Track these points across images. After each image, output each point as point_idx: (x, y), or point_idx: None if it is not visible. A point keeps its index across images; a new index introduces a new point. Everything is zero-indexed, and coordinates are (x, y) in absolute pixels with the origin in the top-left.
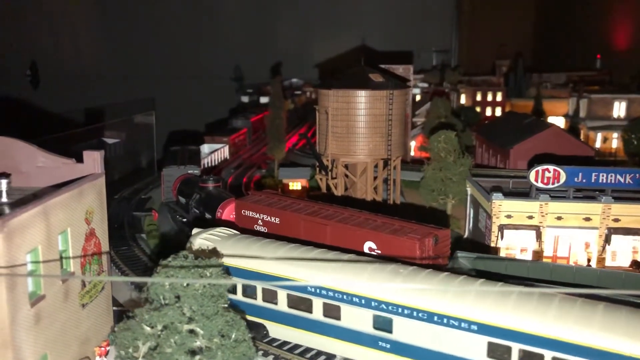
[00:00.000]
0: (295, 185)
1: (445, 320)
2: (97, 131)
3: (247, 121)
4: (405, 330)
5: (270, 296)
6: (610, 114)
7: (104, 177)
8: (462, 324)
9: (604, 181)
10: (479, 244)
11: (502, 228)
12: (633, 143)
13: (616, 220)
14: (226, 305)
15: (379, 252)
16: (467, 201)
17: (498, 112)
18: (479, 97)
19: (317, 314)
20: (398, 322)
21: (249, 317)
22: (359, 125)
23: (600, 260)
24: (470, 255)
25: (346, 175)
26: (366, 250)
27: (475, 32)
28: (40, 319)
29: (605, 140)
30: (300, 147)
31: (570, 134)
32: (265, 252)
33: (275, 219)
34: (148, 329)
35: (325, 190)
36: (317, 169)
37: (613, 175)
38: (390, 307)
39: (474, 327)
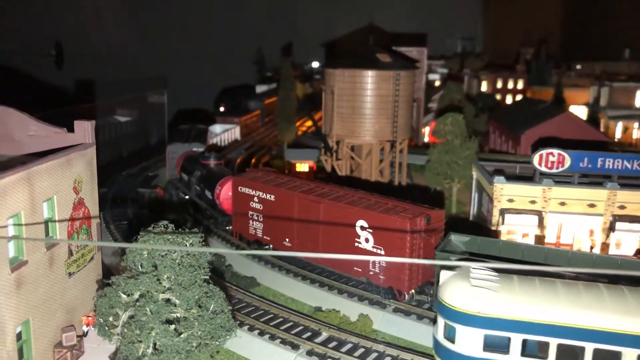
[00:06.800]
0: (303, 166)
1: None
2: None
3: (261, 103)
4: None
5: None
6: (632, 103)
7: (95, 147)
8: None
9: (611, 167)
10: (482, 228)
11: (503, 212)
12: None
13: (622, 207)
14: (207, 277)
15: (370, 231)
16: (472, 185)
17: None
18: (499, 85)
19: None
20: None
21: None
22: (365, 106)
23: (604, 248)
24: (464, 237)
25: (351, 157)
26: (358, 229)
27: (501, 19)
28: (21, 285)
29: (625, 130)
30: (314, 130)
31: (584, 121)
32: (588, 301)
33: (270, 196)
34: (124, 296)
35: (329, 171)
36: (322, 149)
37: (620, 160)
38: None
39: None
